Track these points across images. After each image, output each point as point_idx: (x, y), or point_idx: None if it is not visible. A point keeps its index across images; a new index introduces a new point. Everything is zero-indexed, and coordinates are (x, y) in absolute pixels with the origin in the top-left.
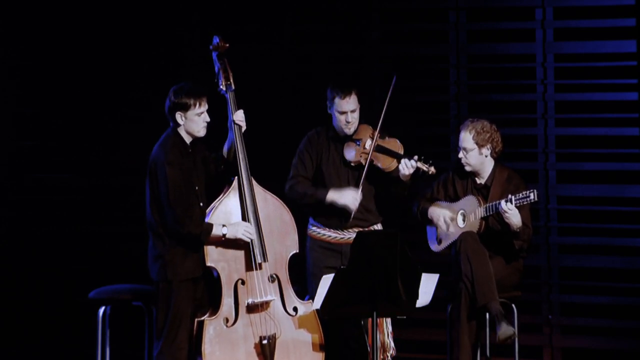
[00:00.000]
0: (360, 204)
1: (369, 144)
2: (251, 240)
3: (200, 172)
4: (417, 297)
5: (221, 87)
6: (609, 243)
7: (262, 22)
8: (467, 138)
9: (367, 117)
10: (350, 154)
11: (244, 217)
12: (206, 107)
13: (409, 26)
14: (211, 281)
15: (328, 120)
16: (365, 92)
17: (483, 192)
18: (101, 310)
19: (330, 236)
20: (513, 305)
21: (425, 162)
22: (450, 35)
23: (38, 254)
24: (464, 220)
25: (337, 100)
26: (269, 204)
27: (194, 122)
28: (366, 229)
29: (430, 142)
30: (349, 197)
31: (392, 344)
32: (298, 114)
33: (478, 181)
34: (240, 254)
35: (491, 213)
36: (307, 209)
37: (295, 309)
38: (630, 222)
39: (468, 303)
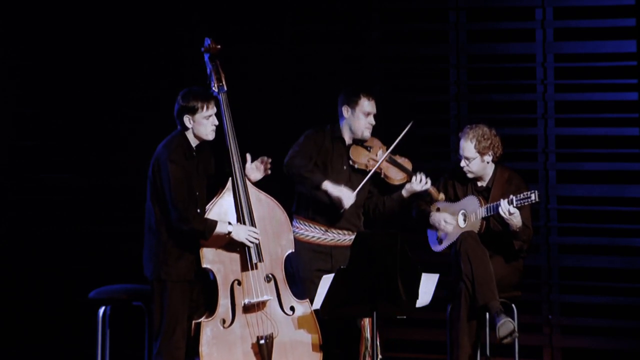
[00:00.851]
0: (353, 207)
1: (380, 153)
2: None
3: (202, 179)
4: (417, 297)
5: (213, 88)
6: (609, 243)
7: (262, 22)
8: (468, 147)
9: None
10: (358, 156)
11: (239, 218)
12: (214, 110)
13: (409, 26)
14: (207, 283)
15: (332, 122)
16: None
17: (484, 194)
18: (101, 310)
19: (316, 237)
20: (513, 305)
21: (436, 187)
22: (450, 35)
23: (38, 254)
24: (464, 221)
25: (363, 101)
26: (263, 204)
27: (202, 125)
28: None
29: (430, 142)
30: (343, 193)
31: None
32: (298, 114)
33: (479, 184)
34: (236, 254)
35: (492, 213)
36: (299, 188)
37: (292, 309)
38: (630, 222)
39: (468, 303)
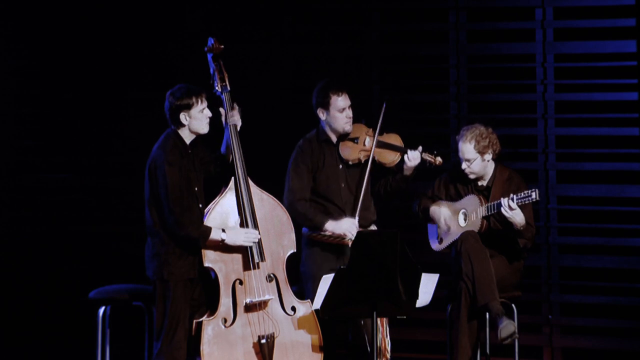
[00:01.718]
0: (364, 201)
1: (368, 141)
2: None
3: (199, 173)
4: (417, 297)
5: (217, 88)
6: (609, 243)
7: (262, 22)
8: (468, 149)
9: (366, 116)
10: (349, 152)
11: (241, 218)
12: (206, 103)
13: (409, 26)
14: (209, 282)
15: (316, 125)
16: (365, 92)
17: (484, 193)
18: (101, 310)
19: (327, 236)
20: (513, 305)
21: (430, 152)
22: (450, 35)
23: (38, 253)
24: (465, 220)
25: (334, 99)
26: (265, 203)
27: (198, 119)
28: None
29: (430, 142)
30: (346, 226)
31: (389, 346)
32: (297, 114)
33: (480, 183)
34: (238, 254)
35: (492, 212)
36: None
37: (293, 309)
38: (630, 222)
39: (468, 303)
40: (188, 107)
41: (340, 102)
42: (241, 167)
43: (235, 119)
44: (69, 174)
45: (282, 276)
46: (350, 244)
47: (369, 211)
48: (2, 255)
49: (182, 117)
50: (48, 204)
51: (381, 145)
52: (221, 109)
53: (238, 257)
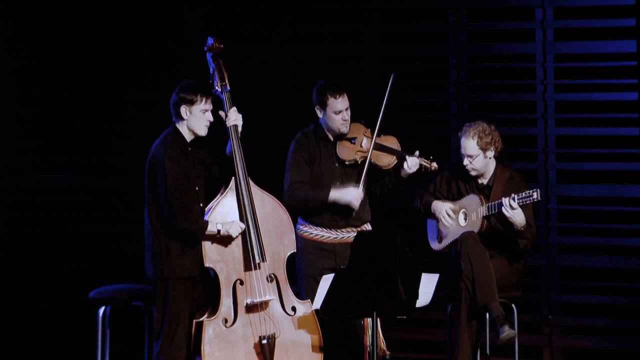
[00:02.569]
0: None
1: (365, 142)
2: (249, 240)
3: (200, 173)
4: (417, 297)
5: (216, 88)
6: (609, 243)
7: (262, 22)
8: (471, 145)
9: (366, 116)
10: (346, 152)
11: (242, 218)
12: (211, 107)
13: (409, 26)
14: (209, 282)
15: (315, 121)
16: (364, 92)
17: (485, 192)
18: (101, 310)
19: (323, 236)
20: (513, 305)
21: (426, 158)
22: (450, 35)
23: (38, 253)
24: (465, 219)
25: (331, 100)
26: (266, 204)
27: (198, 117)
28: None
29: (430, 142)
30: (351, 195)
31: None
32: (297, 114)
33: (480, 181)
34: (239, 254)
35: (493, 212)
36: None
37: (294, 309)
38: (630, 222)
39: (468, 303)
40: (191, 102)
41: (337, 104)
42: (242, 167)
43: (235, 119)
44: (69, 174)
45: (283, 276)
46: (335, 242)
47: (364, 211)
48: (2, 255)
49: (183, 110)
50: (48, 204)
51: (378, 147)
52: (221, 112)
53: (239, 258)
